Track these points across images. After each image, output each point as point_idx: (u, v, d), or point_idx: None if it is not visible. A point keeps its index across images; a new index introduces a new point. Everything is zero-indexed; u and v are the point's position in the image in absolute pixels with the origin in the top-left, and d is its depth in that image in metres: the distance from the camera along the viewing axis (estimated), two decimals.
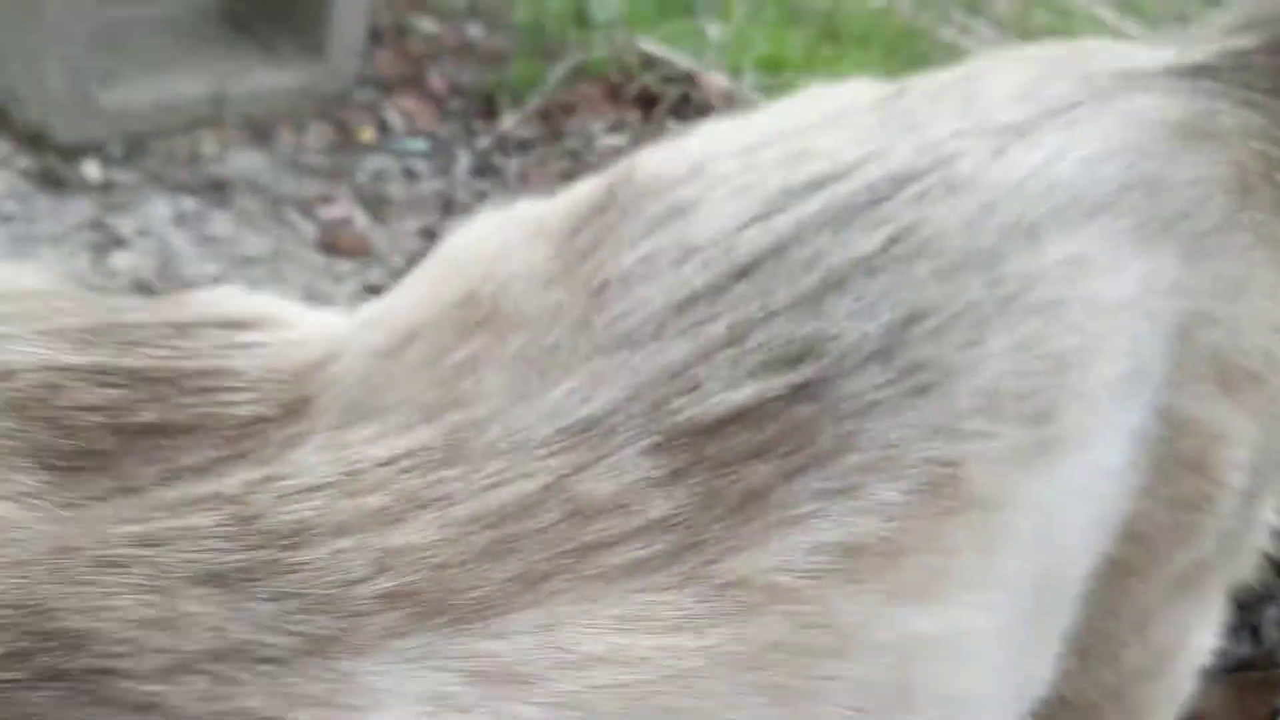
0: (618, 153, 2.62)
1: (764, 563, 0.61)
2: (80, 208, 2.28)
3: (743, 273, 0.68)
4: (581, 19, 3.09)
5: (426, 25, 3.08)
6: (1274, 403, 0.85)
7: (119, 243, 2.22)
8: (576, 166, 2.70)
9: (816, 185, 0.74)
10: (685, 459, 0.62)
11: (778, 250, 0.69)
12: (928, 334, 0.69)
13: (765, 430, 0.64)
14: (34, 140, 2.39)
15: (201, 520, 0.54)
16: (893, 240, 0.71)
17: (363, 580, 0.55)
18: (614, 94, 2.87)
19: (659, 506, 0.60)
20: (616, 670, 0.57)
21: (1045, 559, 0.74)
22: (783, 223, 0.71)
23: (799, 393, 0.65)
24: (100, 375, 0.57)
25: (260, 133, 2.62)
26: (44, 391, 0.56)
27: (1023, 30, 4.44)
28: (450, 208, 2.56)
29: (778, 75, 3.08)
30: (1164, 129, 0.84)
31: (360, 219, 2.47)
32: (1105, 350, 0.77)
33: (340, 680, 0.52)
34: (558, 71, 2.87)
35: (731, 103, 2.73)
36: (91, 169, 2.39)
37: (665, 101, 2.78)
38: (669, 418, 0.63)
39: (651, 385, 0.63)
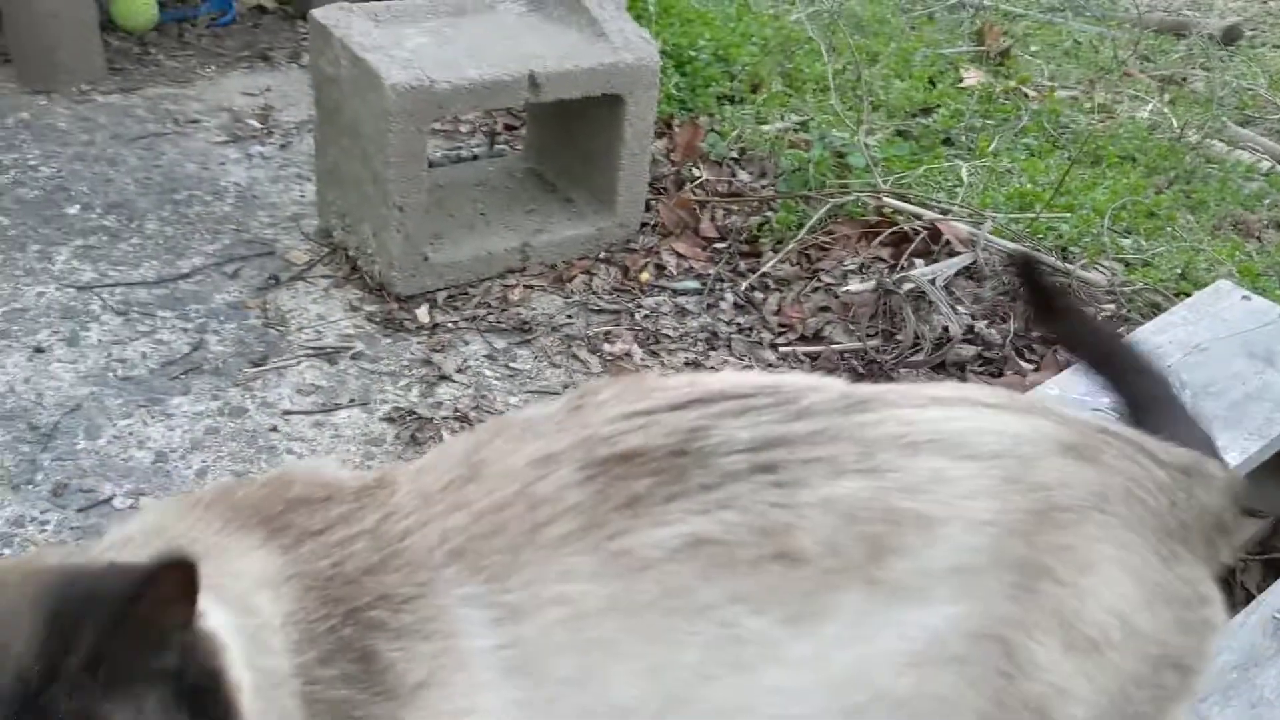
0: (872, 291, 2.89)
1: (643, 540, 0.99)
2: (414, 347, 2.78)
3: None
4: (840, 165, 3.39)
5: (700, 173, 3.47)
6: (1110, 678, 1.03)
7: (443, 377, 2.69)
8: (828, 300, 3.00)
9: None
10: (597, 474, 1.01)
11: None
12: (791, 454, 1.02)
13: (653, 465, 1.01)
14: (378, 290, 2.94)
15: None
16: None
17: (438, 546, 1.00)
18: (866, 236, 3.15)
19: (574, 497, 1.00)
20: (562, 609, 0.98)
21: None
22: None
23: (679, 451, 1.02)
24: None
25: (558, 279, 3.07)
26: None
27: None
28: (714, 341, 2.91)
29: (1028, 211, 3.27)
30: (1055, 441, 1.08)
31: (638, 352, 2.85)
32: (943, 535, 1.02)
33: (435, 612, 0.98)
34: (815, 215, 3.18)
35: (971, 245, 2.95)
36: (423, 313, 2.90)
37: (911, 243, 3.02)
38: (592, 454, 1.02)
39: (587, 440, 1.03)
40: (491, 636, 0.97)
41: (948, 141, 3.84)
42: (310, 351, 2.74)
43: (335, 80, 2.88)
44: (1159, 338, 2.32)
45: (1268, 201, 3.79)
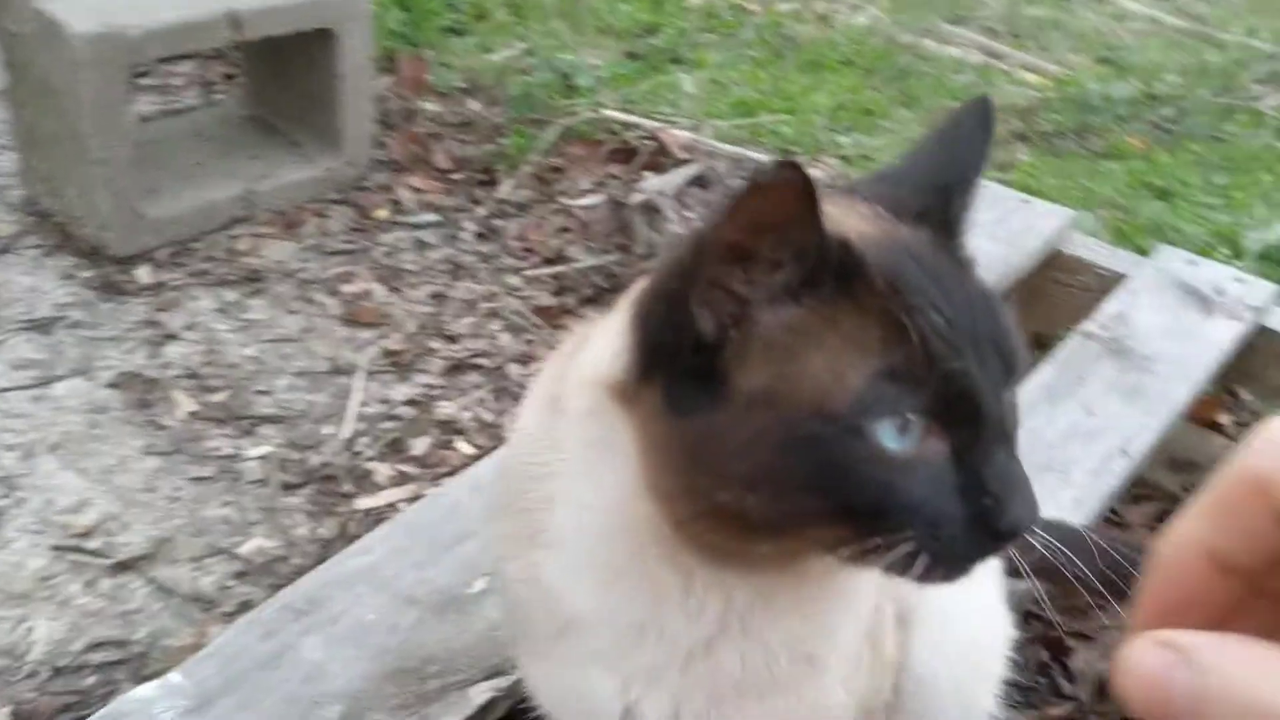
0: (606, 207, 2.92)
1: None
2: (136, 309, 2.65)
3: None
4: (569, 88, 3.40)
5: (430, 106, 3.41)
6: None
7: (170, 337, 2.57)
8: (567, 220, 3.01)
9: None
10: None
11: None
12: None
13: None
14: (93, 254, 2.77)
15: None
16: None
17: None
18: (598, 155, 3.17)
19: None
20: None
21: None
22: None
23: None
24: None
25: (289, 224, 2.97)
26: None
27: (1012, 25, 4.65)
28: (457, 272, 2.88)
29: (752, 117, 3.36)
30: None
31: (378, 290, 2.79)
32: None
33: None
34: (546, 138, 3.18)
35: (695, 152, 3.01)
36: (144, 273, 2.75)
37: (640, 156, 3.06)
38: None
39: None
40: None
41: (676, 60, 3.90)
42: (21, 325, 2.57)
43: (21, 38, 2.68)
44: None
45: (978, 92, 4.00)
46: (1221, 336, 2.20)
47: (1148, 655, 0.48)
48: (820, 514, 0.81)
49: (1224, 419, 2.55)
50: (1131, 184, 3.37)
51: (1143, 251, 2.75)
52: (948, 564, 0.82)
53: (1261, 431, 0.49)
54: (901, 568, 0.82)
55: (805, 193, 0.77)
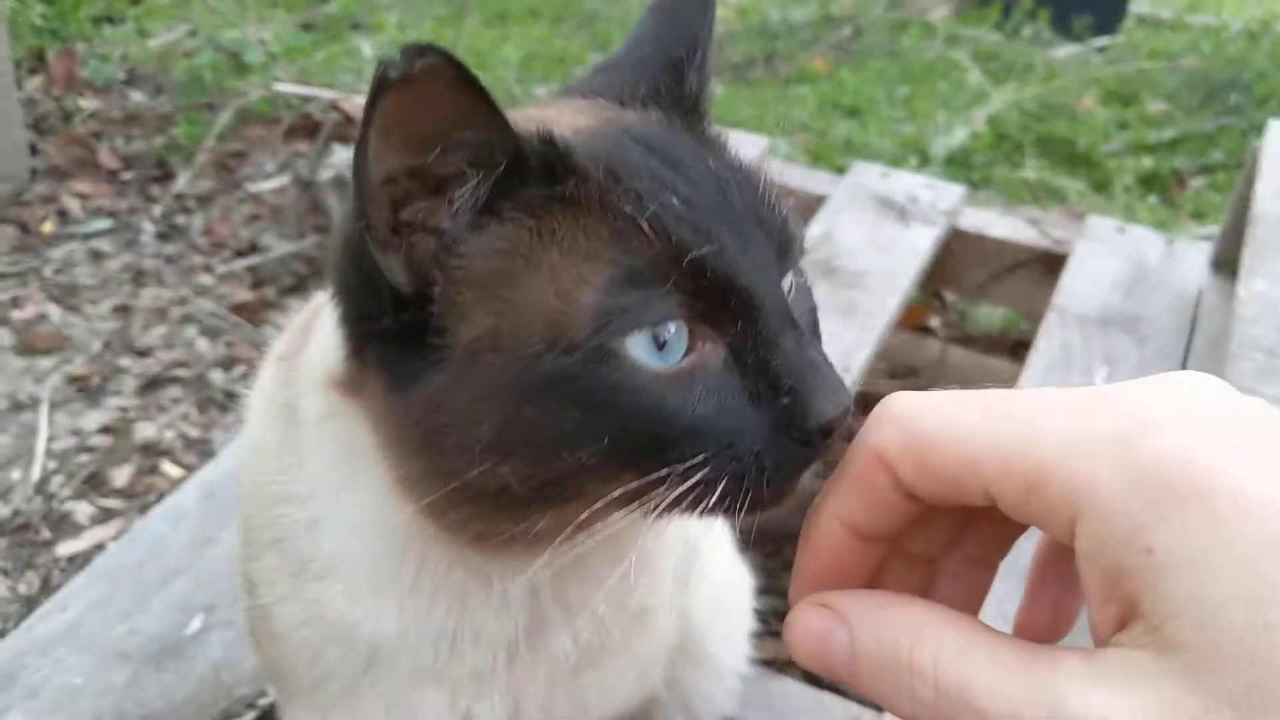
0: (294, 187, 2.74)
1: None
2: None
3: None
4: (239, 67, 3.17)
5: (88, 103, 3.11)
6: None
7: None
8: (256, 207, 2.81)
9: None
10: None
11: None
12: None
13: None
14: None
15: None
16: None
17: None
18: (281, 133, 2.97)
19: None
20: None
21: None
22: None
23: None
24: None
25: None
26: None
27: None
28: (141, 279, 2.64)
29: None
30: None
31: (54, 312, 2.53)
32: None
33: None
34: (220, 121, 2.95)
35: None
36: None
37: (325, 129, 2.88)
38: None
39: None
40: None
41: (355, 26, 3.71)
42: None
43: None
44: None
45: None
46: (920, 244, 2.26)
47: (810, 617, 0.57)
48: (591, 464, 0.66)
49: (933, 322, 2.65)
50: (821, 105, 3.45)
51: (840, 170, 2.81)
52: (760, 485, 0.66)
53: (882, 410, 0.57)
54: (709, 503, 0.66)
55: (458, 80, 0.62)
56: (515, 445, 0.66)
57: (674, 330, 0.65)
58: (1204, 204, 3.12)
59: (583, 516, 0.68)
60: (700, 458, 0.65)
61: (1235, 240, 2.08)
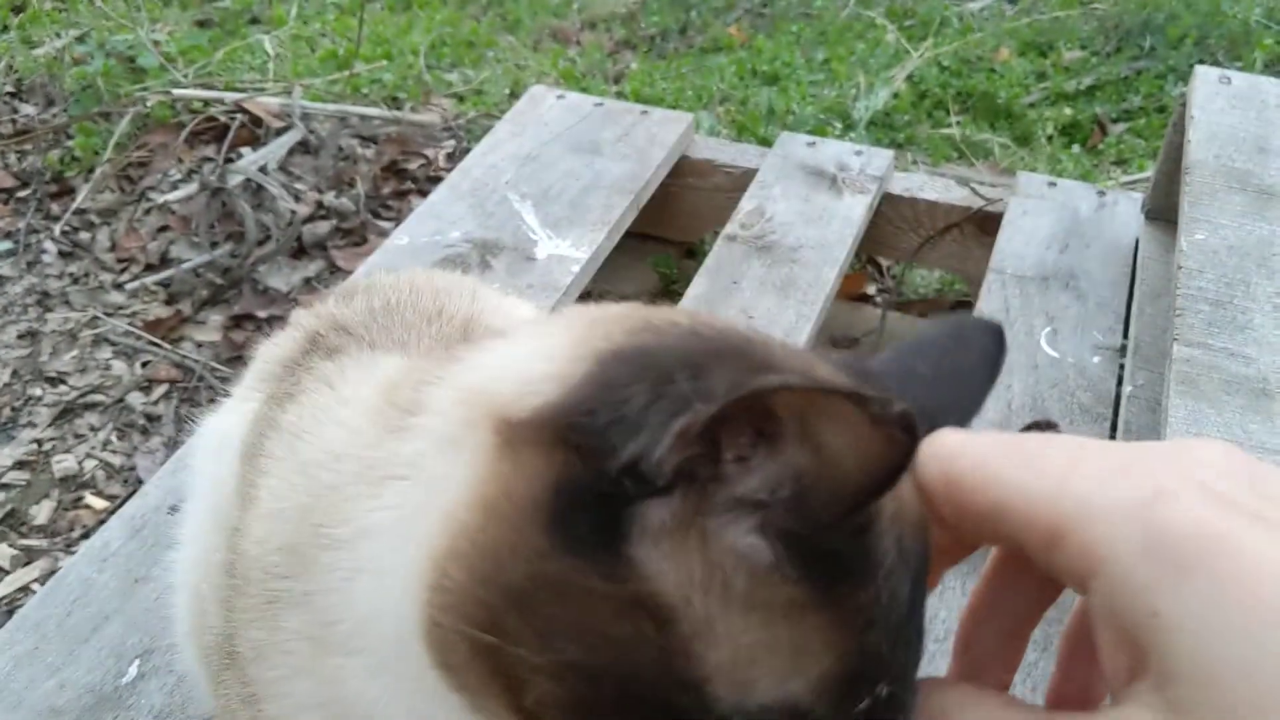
0: (203, 195, 2.62)
1: None
2: None
3: None
4: (134, 71, 3.03)
5: None
6: None
7: None
8: (163, 218, 2.69)
9: None
10: None
11: None
12: None
13: None
14: None
15: None
16: None
17: None
18: (184, 139, 2.84)
19: None
20: None
21: None
22: None
23: None
24: None
25: None
26: None
27: None
28: (46, 301, 2.51)
29: (347, 69, 3.11)
30: None
31: None
32: None
33: None
34: (118, 130, 2.82)
35: (290, 118, 2.75)
36: None
37: (230, 133, 2.77)
38: None
39: None
40: None
41: (253, 21, 3.57)
42: None
43: None
44: (491, 158, 2.28)
45: (576, 6, 3.92)
46: (854, 212, 2.23)
47: None
48: None
49: (870, 289, 2.62)
50: (740, 74, 3.40)
51: (765, 142, 2.76)
52: None
53: (925, 446, 0.56)
54: None
55: (898, 463, 0.52)
56: (572, 685, 0.55)
57: None
58: (1126, 150, 3.12)
59: None
60: None
61: (1167, 189, 2.06)
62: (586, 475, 0.54)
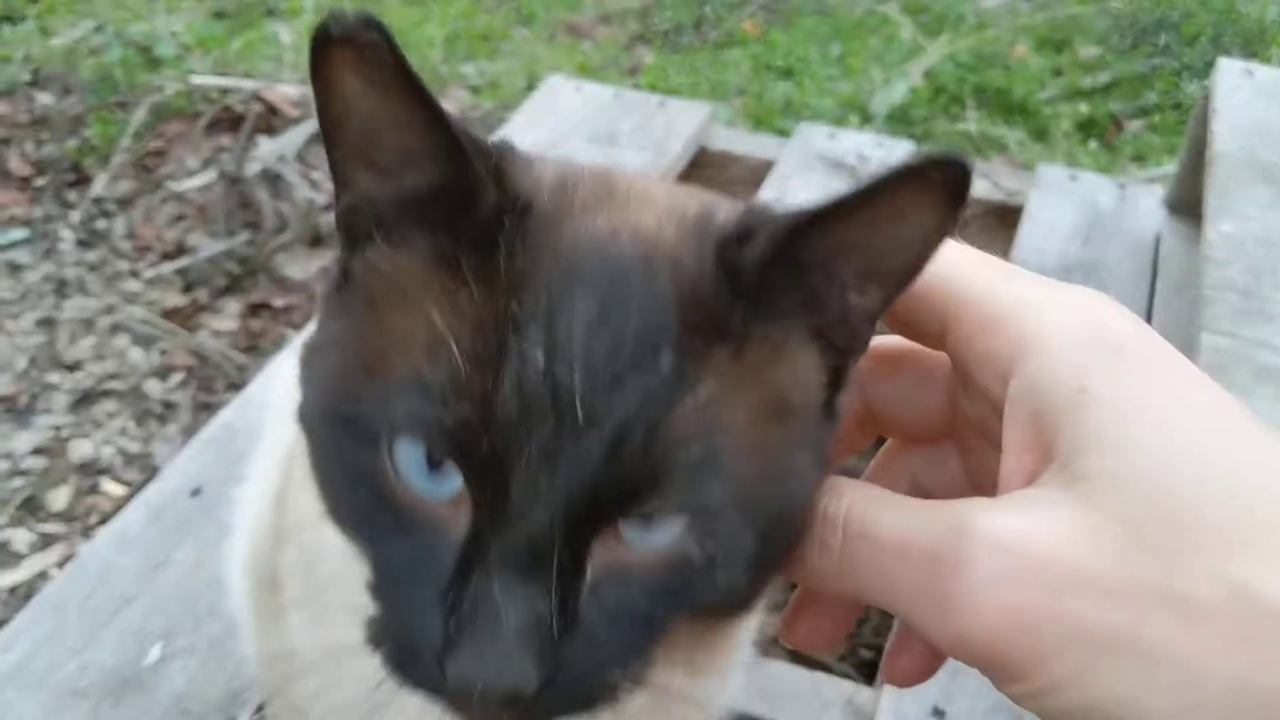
0: (220, 184, 2.63)
1: None
2: None
3: None
4: (151, 61, 3.03)
5: None
6: None
7: None
8: (181, 207, 2.69)
9: None
10: None
11: None
12: None
13: None
14: None
15: None
16: None
17: None
18: (203, 128, 2.84)
19: None
20: None
21: None
22: None
23: None
24: None
25: None
26: None
27: None
28: (64, 289, 2.51)
29: None
30: None
31: None
32: None
33: None
34: (135, 120, 2.82)
35: (308, 108, 2.75)
36: None
37: (248, 122, 2.77)
38: None
39: None
40: None
41: (270, 12, 3.57)
42: None
43: None
44: None
45: (590, 1, 3.92)
46: None
47: None
48: (342, 515, 0.59)
49: None
50: (756, 69, 3.39)
51: (783, 133, 2.75)
52: (396, 665, 0.57)
53: None
54: (372, 634, 0.59)
55: (385, 67, 0.53)
56: (312, 426, 0.61)
57: (451, 475, 0.55)
58: (1143, 146, 3.12)
59: None
60: (379, 603, 0.58)
61: (1191, 182, 2.06)
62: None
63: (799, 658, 1.71)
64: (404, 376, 0.55)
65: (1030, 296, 0.56)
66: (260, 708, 1.37)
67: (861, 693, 1.44)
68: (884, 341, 0.65)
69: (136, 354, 2.34)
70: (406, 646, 0.56)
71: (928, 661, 0.63)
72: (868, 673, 1.69)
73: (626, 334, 0.54)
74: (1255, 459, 0.50)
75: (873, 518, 0.55)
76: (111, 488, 2.05)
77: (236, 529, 1.11)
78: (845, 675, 1.57)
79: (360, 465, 0.56)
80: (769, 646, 1.54)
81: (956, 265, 0.59)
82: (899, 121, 3.11)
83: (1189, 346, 1.62)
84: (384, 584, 0.57)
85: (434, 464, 0.55)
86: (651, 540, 0.55)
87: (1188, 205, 2.10)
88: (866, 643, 1.76)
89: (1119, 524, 0.48)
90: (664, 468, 0.53)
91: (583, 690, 0.55)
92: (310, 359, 0.62)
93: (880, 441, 0.70)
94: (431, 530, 0.55)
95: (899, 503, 0.56)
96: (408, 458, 0.55)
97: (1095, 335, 0.54)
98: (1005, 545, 0.49)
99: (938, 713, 1.37)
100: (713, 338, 0.56)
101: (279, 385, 1.07)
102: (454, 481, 0.55)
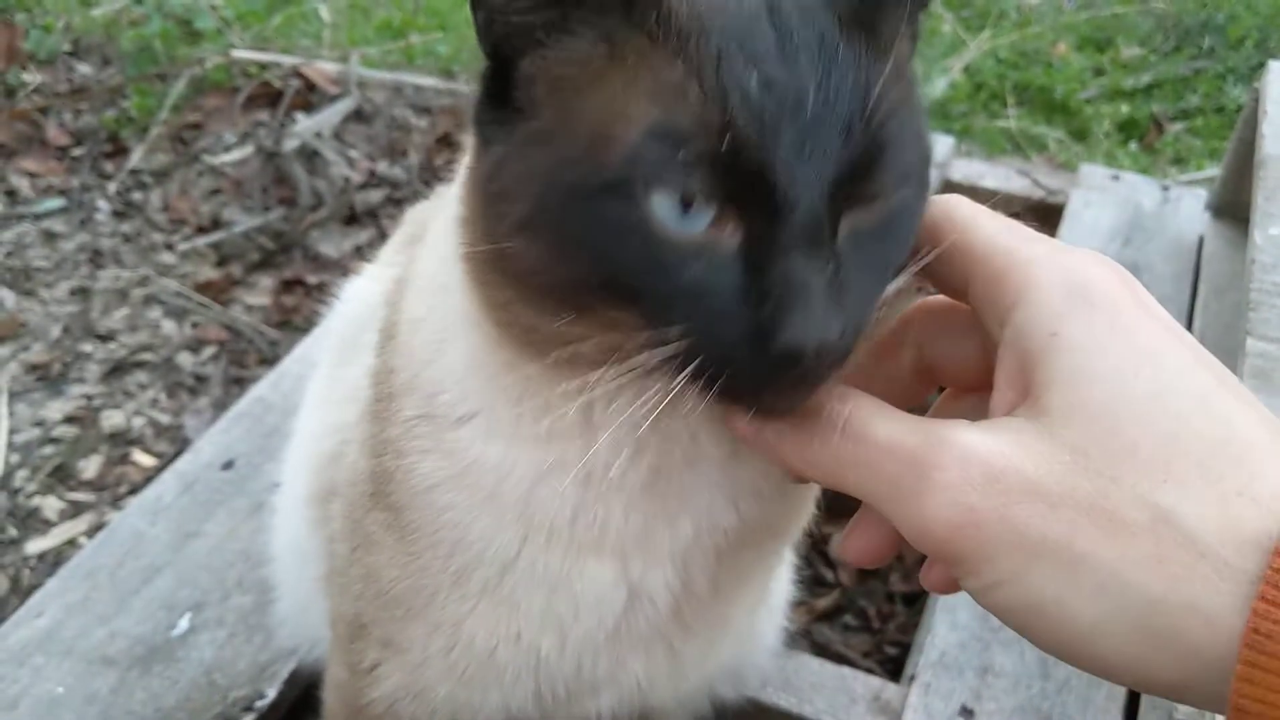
0: (257, 158, 2.63)
1: None
2: None
3: None
4: (191, 34, 3.03)
5: (32, 77, 2.97)
6: None
7: None
8: (216, 181, 2.69)
9: None
10: None
11: None
12: None
13: None
14: None
15: None
16: None
17: None
18: (240, 102, 2.84)
19: None
20: None
21: None
22: None
23: None
24: None
25: None
26: None
27: None
28: (99, 259, 2.52)
29: (402, 39, 3.11)
30: None
31: (8, 297, 2.41)
32: None
33: None
34: (174, 92, 2.82)
35: (346, 85, 2.75)
36: None
37: (286, 97, 2.77)
38: None
39: None
40: None
41: None
42: None
43: None
44: None
45: None
46: None
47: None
48: (593, 285, 0.66)
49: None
50: None
51: None
52: (729, 384, 0.65)
53: (939, 200, 0.73)
54: (680, 375, 0.65)
55: None
56: (539, 233, 0.67)
57: (703, 203, 0.63)
58: (1184, 149, 3.08)
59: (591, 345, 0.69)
60: (677, 330, 0.65)
61: (1236, 185, 2.03)
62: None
63: (825, 651, 1.70)
64: (640, 134, 0.63)
65: (1034, 255, 0.65)
66: (286, 681, 1.37)
67: (888, 689, 1.43)
68: (933, 299, 0.75)
69: (169, 326, 2.35)
70: (716, 356, 0.64)
71: (880, 547, 0.72)
72: (892, 669, 1.68)
73: (811, 41, 0.64)
74: (1201, 403, 0.59)
75: (870, 421, 0.65)
76: (142, 458, 2.05)
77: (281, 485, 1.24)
78: (869, 671, 1.56)
79: (622, 222, 0.63)
80: (796, 639, 1.54)
81: (981, 228, 0.68)
82: (939, 116, 3.08)
83: (1232, 350, 1.60)
84: (678, 316, 0.64)
85: (687, 203, 0.63)
86: (873, 204, 0.66)
87: (1232, 208, 2.07)
88: (892, 639, 1.75)
89: (1069, 450, 0.59)
90: (879, 141, 0.64)
91: (853, 340, 0.64)
92: (495, 178, 0.69)
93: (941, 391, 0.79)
94: (705, 257, 0.63)
95: (893, 414, 0.65)
96: (661, 204, 0.63)
97: (1076, 288, 0.63)
98: (971, 457, 0.60)
99: (966, 711, 1.35)
100: (858, 29, 0.65)
101: (344, 316, 1.22)
102: (705, 216, 0.63)
